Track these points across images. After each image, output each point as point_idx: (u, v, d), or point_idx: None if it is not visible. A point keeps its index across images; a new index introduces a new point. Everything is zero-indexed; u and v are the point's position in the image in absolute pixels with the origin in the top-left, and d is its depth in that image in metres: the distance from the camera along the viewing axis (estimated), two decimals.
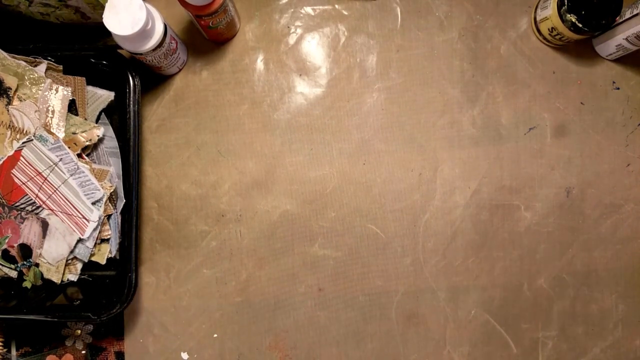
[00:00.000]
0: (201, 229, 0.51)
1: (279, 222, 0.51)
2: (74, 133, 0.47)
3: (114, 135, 0.50)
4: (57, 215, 0.46)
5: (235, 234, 0.51)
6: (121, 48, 0.43)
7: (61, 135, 0.46)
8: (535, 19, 0.51)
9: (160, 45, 0.43)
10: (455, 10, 0.52)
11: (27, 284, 0.48)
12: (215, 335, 0.51)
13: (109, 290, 0.48)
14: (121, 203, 0.47)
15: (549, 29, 0.49)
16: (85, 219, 0.46)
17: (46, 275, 0.47)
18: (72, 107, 0.47)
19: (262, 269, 0.51)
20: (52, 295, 0.48)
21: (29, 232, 0.46)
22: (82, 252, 0.46)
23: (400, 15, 0.52)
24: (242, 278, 0.51)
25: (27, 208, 0.46)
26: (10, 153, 0.45)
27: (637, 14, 0.45)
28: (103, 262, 0.47)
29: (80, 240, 0.46)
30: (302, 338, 0.51)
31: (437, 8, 0.52)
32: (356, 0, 0.52)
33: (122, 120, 0.49)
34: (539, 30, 0.51)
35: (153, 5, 0.43)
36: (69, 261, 0.47)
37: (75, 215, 0.46)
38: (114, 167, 0.48)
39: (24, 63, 0.46)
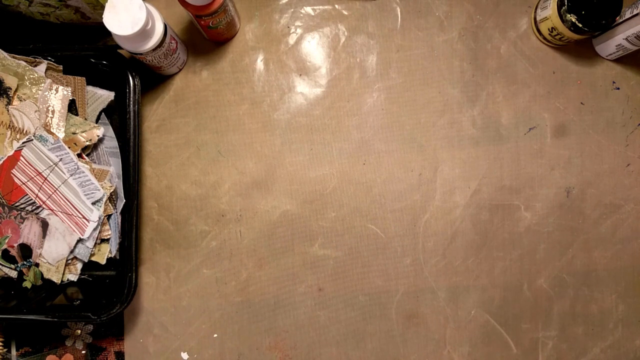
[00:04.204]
0: (201, 229, 0.51)
1: (279, 222, 0.51)
2: (74, 133, 0.47)
3: (114, 135, 0.50)
4: (57, 215, 0.46)
5: (235, 234, 0.51)
6: (121, 48, 0.43)
7: (61, 135, 0.46)
8: (535, 19, 0.51)
9: (160, 45, 0.43)
10: (455, 10, 0.52)
11: (27, 284, 0.48)
12: (215, 335, 0.51)
13: (109, 290, 0.48)
14: (121, 203, 0.47)
15: (549, 29, 0.49)
16: (85, 219, 0.46)
17: (46, 275, 0.47)
18: (72, 107, 0.47)
19: (262, 269, 0.51)
20: (52, 295, 0.48)
21: (29, 232, 0.46)
22: (82, 252, 0.46)
23: (400, 15, 0.52)
24: (242, 278, 0.51)
25: (27, 208, 0.46)
26: (10, 153, 0.45)
27: (637, 14, 0.45)
28: (103, 262, 0.47)
29: (80, 240, 0.46)
30: (302, 338, 0.51)
31: (437, 8, 0.52)
32: (356, 0, 0.52)
33: (122, 120, 0.49)
34: (539, 30, 0.51)
35: (153, 5, 0.43)
36: (69, 261, 0.47)
37: (75, 215, 0.46)
38: (114, 167, 0.48)
39: (24, 63, 0.46)
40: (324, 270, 0.51)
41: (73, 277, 0.47)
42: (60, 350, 0.52)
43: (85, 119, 0.48)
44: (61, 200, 0.46)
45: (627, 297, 0.52)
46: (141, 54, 0.43)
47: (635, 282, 0.52)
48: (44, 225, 0.46)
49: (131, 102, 0.46)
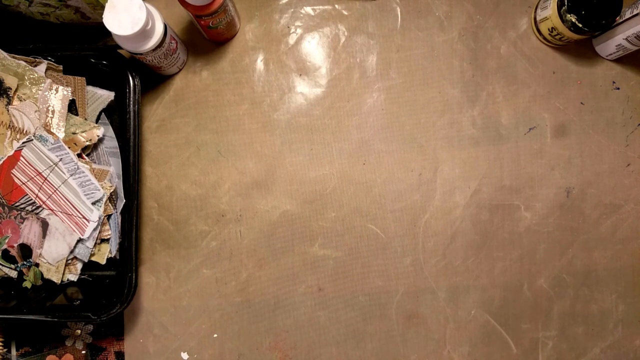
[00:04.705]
0: (201, 229, 0.51)
1: (279, 222, 0.51)
2: (74, 133, 0.47)
3: (114, 135, 0.50)
4: (57, 215, 0.46)
5: (235, 234, 0.51)
6: (121, 48, 0.43)
7: (61, 135, 0.46)
8: (535, 19, 0.51)
9: (160, 45, 0.43)
10: (455, 10, 0.52)
11: (27, 284, 0.48)
12: (215, 335, 0.51)
13: (109, 290, 0.48)
14: (121, 203, 0.47)
15: (549, 29, 0.49)
16: (85, 219, 0.46)
17: (46, 275, 0.47)
18: (72, 107, 0.47)
19: (262, 269, 0.51)
20: (52, 295, 0.48)
21: (29, 232, 0.46)
22: (82, 252, 0.46)
23: (400, 15, 0.52)
24: (242, 278, 0.51)
25: (27, 208, 0.46)
26: (10, 153, 0.45)
27: (637, 14, 0.45)
28: (103, 262, 0.47)
29: (80, 240, 0.46)
30: (302, 338, 0.51)
31: (437, 8, 0.52)
32: (356, 0, 0.52)
33: (122, 120, 0.49)
34: (539, 30, 0.51)
35: (153, 5, 0.43)
36: (69, 261, 0.47)
37: (75, 215, 0.46)
38: (114, 167, 0.48)
39: (24, 63, 0.46)
40: (324, 270, 0.51)
41: (73, 277, 0.47)
42: (60, 350, 0.52)
43: (85, 119, 0.48)
44: (61, 200, 0.46)
45: (627, 297, 0.52)
46: (141, 54, 0.43)
47: (635, 282, 0.52)
48: (44, 225, 0.46)
49: (131, 102, 0.46)
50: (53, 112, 0.46)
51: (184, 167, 0.52)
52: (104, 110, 0.49)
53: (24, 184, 0.45)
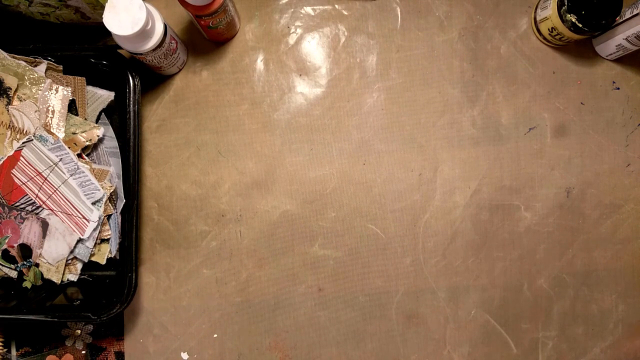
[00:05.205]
0: (201, 229, 0.51)
1: (279, 222, 0.51)
2: (74, 133, 0.47)
3: (114, 135, 0.50)
4: (57, 215, 0.46)
5: (235, 234, 0.51)
6: (121, 48, 0.43)
7: (61, 135, 0.46)
8: (535, 19, 0.51)
9: (160, 45, 0.43)
10: (455, 10, 0.52)
11: (27, 284, 0.48)
12: (215, 335, 0.51)
13: (109, 290, 0.48)
14: (121, 203, 0.47)
15: (549, 29, 0.49)
16: (85, 219, 0.46)
17: (46, 275, 0.47)
18: (72, 107, 0.47)
19: (262, 269, 0.51)
20: (52, 295, 0.48)
21: (29, 232, 0.46)
22: (82, 252, 0.46)
23: (400, 15, 0.52)
24: (242, 278, 0.51)
25: (27, 208, 0.46)
26: (10, 153, 0.45)
27: (637, 14, 0.45)
28: (103, 262, 0.47)
29: (80, 240, 0.46)
30: (302, 338, 0.51)
31: (437, 8, 0.52)
32: (356, 0, 0.52)
33: (122, 120, 0.49)
34: (539, 30, 0.51)
35: (153, 5, 0.43)
36: (69, 261, 0.47)
37: (75, 215, 0.46)
38: (114, 167, 0.48)
39: (24, 63, 0.46)
40: (324, 270, 0.51)
41: (73, 277, 0.47)
42: (60, 350, 0.52)
43: (85, 119, 0.48)
44: (61, 200, 0.46)
45: (627, 297, 0.52)
46: (141, 54, 0.43)
47: (635, 282, 0.52)
48: (44, 225, 0.46)
49: (131, 102, 0.46)
50: (53, 112, 0.46)
51: (184, 167, 0.52)
52: (104, 110, 0.49)
53: (24, 184, 0.45)
